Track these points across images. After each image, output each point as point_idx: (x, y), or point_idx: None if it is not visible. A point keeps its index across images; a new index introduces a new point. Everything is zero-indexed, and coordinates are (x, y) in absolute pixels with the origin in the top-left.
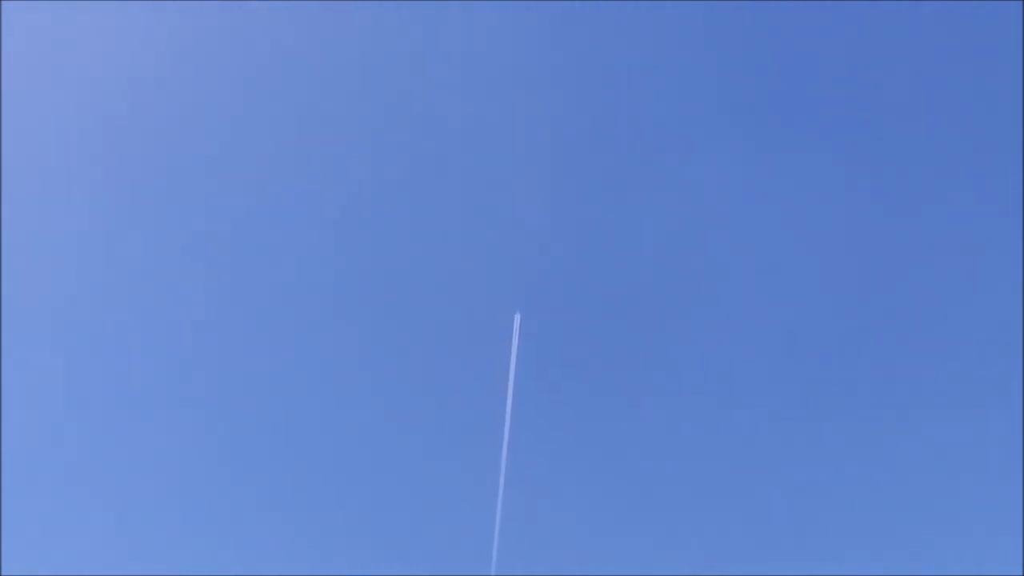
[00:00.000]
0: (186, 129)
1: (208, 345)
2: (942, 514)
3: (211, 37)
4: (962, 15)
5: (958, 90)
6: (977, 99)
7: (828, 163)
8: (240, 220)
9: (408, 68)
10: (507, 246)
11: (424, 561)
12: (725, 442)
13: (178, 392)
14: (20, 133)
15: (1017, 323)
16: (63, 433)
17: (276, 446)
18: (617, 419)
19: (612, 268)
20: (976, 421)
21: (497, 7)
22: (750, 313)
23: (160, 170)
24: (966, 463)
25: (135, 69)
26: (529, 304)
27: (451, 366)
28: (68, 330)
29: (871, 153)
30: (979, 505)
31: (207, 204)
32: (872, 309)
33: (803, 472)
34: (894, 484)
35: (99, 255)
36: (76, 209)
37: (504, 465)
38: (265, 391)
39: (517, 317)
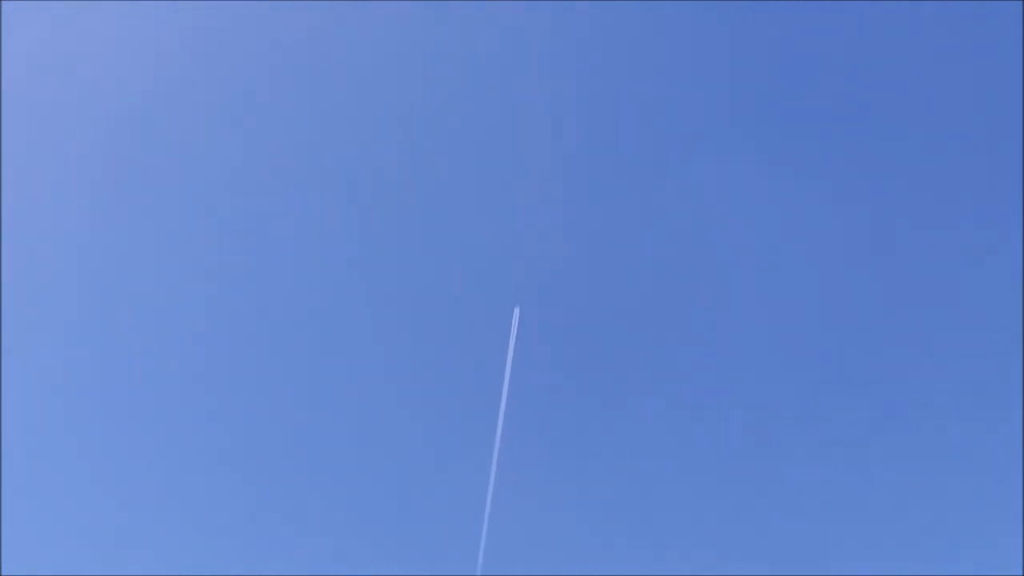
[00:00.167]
0: (186, 129)
1: (207, 345)
2: (942, 514)
3: (211, 37)
4: (962, 15)
5: (960, 91)
6: (981, 101)
7: (831, 166)
8: (240, 219)
9: (410, 68)
10: (506, 246)
11: (413, 559)
12: (721, 443)
13: (178, 393)
14: (20, 133)
15: (1017, 323)
16: (63, 433)
17: (270, 444)
18: (614, 420)
19: (611, 268)
20: (976, 421)
21: (501, 7)
22: (749, 313)
23: (160, 170)
24: (966, 463)
25: (135, 69)
26: (527, 304)
27: (447, 364)
28: (68, 330)
29: (875, 156)
30: (979, 505)
31: (207, 204)
32: (872, 309)
33: (802, 472)
34: (894, 484)
35: (99, 255)
36: (76, 209)
37: (495, 464)
38: (261, 390)
39: (516, 311)
